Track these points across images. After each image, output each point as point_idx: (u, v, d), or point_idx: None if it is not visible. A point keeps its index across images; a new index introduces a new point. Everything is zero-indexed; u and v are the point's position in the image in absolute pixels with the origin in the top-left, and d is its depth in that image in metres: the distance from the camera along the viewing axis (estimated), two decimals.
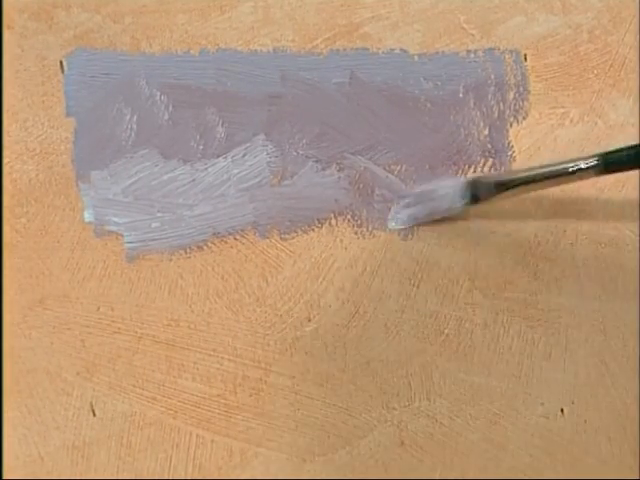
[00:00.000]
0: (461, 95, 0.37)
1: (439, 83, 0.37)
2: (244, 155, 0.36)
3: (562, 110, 0.37)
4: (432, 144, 0.37)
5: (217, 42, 0.37)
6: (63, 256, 0.35)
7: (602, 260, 0.37)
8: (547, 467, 0.36)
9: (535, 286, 0.37)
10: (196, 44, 0.37)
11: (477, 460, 0.36)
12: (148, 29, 0.37)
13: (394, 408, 0.36)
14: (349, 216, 0.37)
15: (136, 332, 0.35)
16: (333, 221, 0.37)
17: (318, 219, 0.37)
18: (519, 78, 0.37)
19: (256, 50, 0.37)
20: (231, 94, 0.37)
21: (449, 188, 0.36)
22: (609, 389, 0.36)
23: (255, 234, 0.36)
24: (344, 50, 0.37)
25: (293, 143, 0.37)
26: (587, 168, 0.33)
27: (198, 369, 0.36)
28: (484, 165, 0.37)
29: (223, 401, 0.36)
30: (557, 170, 0.34)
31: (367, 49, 0.37)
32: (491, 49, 0.37)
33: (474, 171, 0.37)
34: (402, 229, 0.37)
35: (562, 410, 0.36)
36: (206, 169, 0.36)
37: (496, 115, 0.37)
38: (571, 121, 0.37)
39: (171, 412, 0.35)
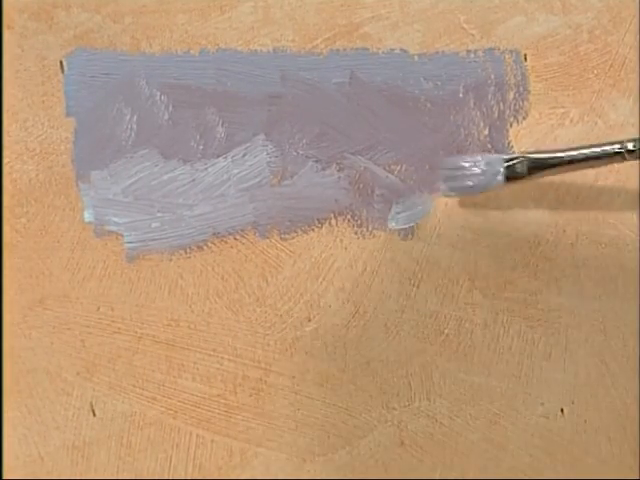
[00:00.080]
0: (461, 95, 0.37)
1: (439, 83, 0.37)
2: (244, 155, 0.36)
3: (562, 110, 0.37)
4: (432, 144, 0.37)
5: (217, 42, 0.37)
6: (63, 256, 0.35)
7: (602, 260, 0.37)
8: (547, 467, 0.36)
9: (535, 286, 0.37)
10: (196, 44, 0.37)
11: (477, 460, 0.36)
12: (148, 29, 0.37)
13: (394, 408, 0.36)
14: (349, 216, 0.37)
15: (136, 332, 0.36)
16: (333, 221, 0.37)
17: (318, 219, 0.37)
18: (519, 78, 0.37)
19: (256, 50, 0.37)
20: (231, 94, 0.37)
21: (487, 164, 0.35)
22: (609, 389, 0.36)
23: (255, 234, 0.36)
24: (344, 50, 0.37)
25: (293, 143, 0.37)
26: (631, 151, 0.33)
27: (198, 369, 0.36)
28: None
29: (223, 401, 0.36)
30: (600, 152, 0.34)
31: (367, 49, 0.37)
32: (491, 49, 0.37)
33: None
34: (402, 229, 0.37)
35: (562, 410, 0.36)
36: (206, 169, 0.36)
37: (496, 115, 0.37)
38: (571, 121, 0.37)
39: (171, 412, 0.35)
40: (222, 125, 0.36)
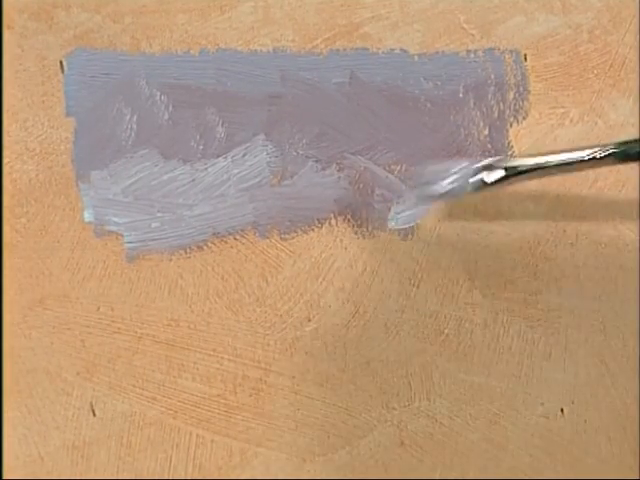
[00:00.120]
0: (461, 95, 0.37)
1: (439, 83, 0.37)
2: (244, 155, 0.36)
3: (562, 110, 0.37)
4: (432, 144, 0.37)
5: (217, 42, 0.37)
6: (63, 256, 0.35)
7: (602, 260, 0.37)
8: (547, 467, 0.36)
9: (535, 286, 0.37)
10: (196, 44, 0.37)
11: (477, 460, 0.36)
12: (148, 29, 0.37)
13: (394, 408, 0.36)
14: (349, 216, 0.37)
15: (136, 332, 0.36)
16: (333, 221, 0.37)
17: (318, 219, 0.37)
18: (519, 78, 0.37)
19: (256, 50, 0.37)
20: (231, 94, 0.37)
21: (460, 171, 0.35)
22: (609, 389, 0.36)
23: (255, 234, 0.36)
24: (344, 50, 0.37)
25: (293, 143, 0.37)
26: (606, 156, 0.33)
27: (198, 369, 0.36)
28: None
29: (223, 401, 0.36)
30: (576, 157, 0.33)
31: (367, 49, 0.37)
32: (491, 49, 0.37)
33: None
34: (402, 229, 0.37)
35: (562, 410, 0.36)
36: (206, 169, 0.36)
37: (496, 115, 0.37)
38: (571, 121, 0.37)
39: (171, 412, 0.35)
40: (222, 125, 0.36)
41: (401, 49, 0.37)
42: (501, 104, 0.37)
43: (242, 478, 0.35)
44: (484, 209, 0.37)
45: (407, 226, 0.37)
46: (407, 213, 0.37)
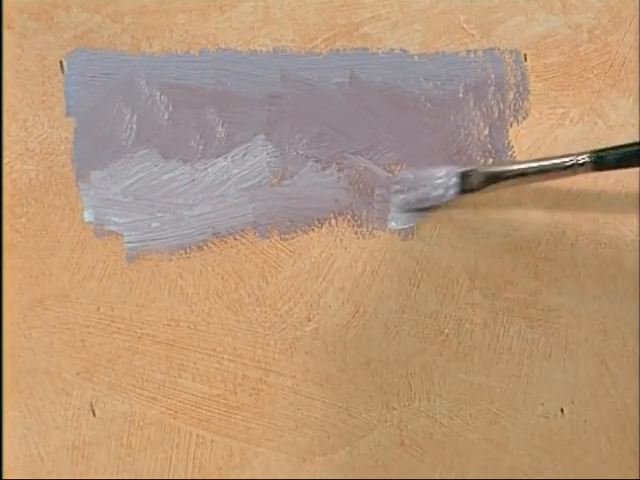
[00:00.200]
0: (461, 95, 0.37)
1: (439, 83, 0.37)
2: (244, 155, 0.36)
3: (562, 110, 0.37)
4: (432, 144, 0.37)
5: (217, 42, 0.37)
6: (63, 256, 0.35)
7: (602, 260, 0.37)
8: (547, 467, 0.36)
9: (535, 286, 0.37)
10: (196, 44, 0.37)
11: (477, 460, 0.36)
12: (148, 29, 0.37)
13: (394, 408, 0.36)
14: (349, 216, 0.37)
15: (136, 332, 0.36)
16: (333, 221, 0.37)
17: (318, 219, 0.37)
18: (519, 78, 0.37)
19: (256, 50, 0.37)
20: (231, 94, 0.37)
21: (442, 176, 0.36)
22: (609, 389, 0.36)
23: (255, 234, 0.36)
24: (344, 50, 0.37)
25: (293, 143, 0.37)
26: (581, 164, 0.33)
27: (198, 369, 0.36)
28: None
29: (223, 401, 0.36)
30: (550, 165, 0.34)
31: (367, 49, 0.37)
32: (491, 49, 0.37)
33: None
34: (402, 229, 0.37)
35: (562, 410, 0.36)
36: (206, 169, 0.36)
37: (496, 115, 0.37)
38: (571, 121, 0.37)
39: (171, 412, 0.35)
40: (222, 125, 0.36)
41: (401, 49, 0.37)
42: (501, 104, 0.37)
43: (242, 478, 0.35)
44: (484, 209, 0.37)
45: (407, 226, 0.37)
46: (407, 213, 0.37)
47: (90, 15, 0.36)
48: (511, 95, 0.37)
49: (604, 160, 0.33)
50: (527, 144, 0.37)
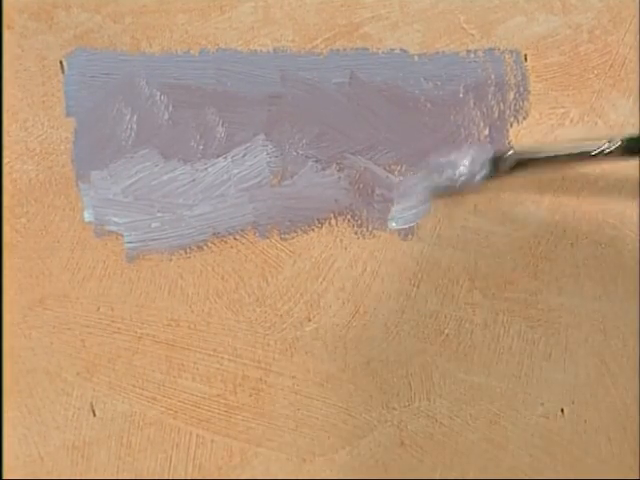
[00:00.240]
0: (461, 95, 0.37)
1: (439, 83, 0.37)
2: (244, 155, 0.36)
3: (562, 110, 0.37)
4: (432, 144, 0.37)
5: (217, 42, 0.37)
6: (63, 256, 0.35)
7: (602, 260, 0.37)
8: (547, 467, 0.36)
9: (535, 286, 0.37)
10: (196, 44, 0.37)
11: (477, 460, 0.36)
12: (148, 29, 0.37)
13: (394, 408, 0.36)
14: (349, 216, 0.37)
15: (136, 332, 0.36)
16: (333, 221, 0.37)
17: (318, 219, 0.37)
18: (519, 78, 0.37)
19: (256, 50, 0.37)
20: (231, 94, 0.37)
21: (469, 160, 0.35)
22: (609, 389, 0.36)
23: (255, 234, 0.36)
24: (344, 50, 0.37)
25: (293, 143, 0.37)
26: (610, 151, 0.33)
27: (198, 369, 0.36)
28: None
29: (223, 401, 0.36)
30: (579, 151, 0.34)
31: (367, 49, 0.37)
32: (491, 49, 0.37)
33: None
34: (402, 229, 0.37)
35: (562, 410, 0.36)
36: (206, 169, 0.36)
37: (496, 115, 0.37)
38: (571, 121, 0.37)
39: (171, 412, 0.35)
40: (222, 125, 0.36)
41: (401, 49, 0.37)
42: (501, 104, 0.37)
43: (242, 478, 0.35)
44: (484, 209, 0.37)
45: (407, 226, 0.37)
46: (407, 213, 0.37)
47: (90, 15, 0.36)
48: (511, 95, 0.37)
49: (635, 147, 0.33)
50: (527, 144, 0.37)
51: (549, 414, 0.36)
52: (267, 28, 0.37)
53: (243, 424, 0.35)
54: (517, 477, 0.36)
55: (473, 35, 0.37)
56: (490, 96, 0.37)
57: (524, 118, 0.37)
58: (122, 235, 0.36)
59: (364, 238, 0.37)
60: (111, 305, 0.36)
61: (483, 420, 0.36)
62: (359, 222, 0.37)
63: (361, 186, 0.37)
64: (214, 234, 0.36)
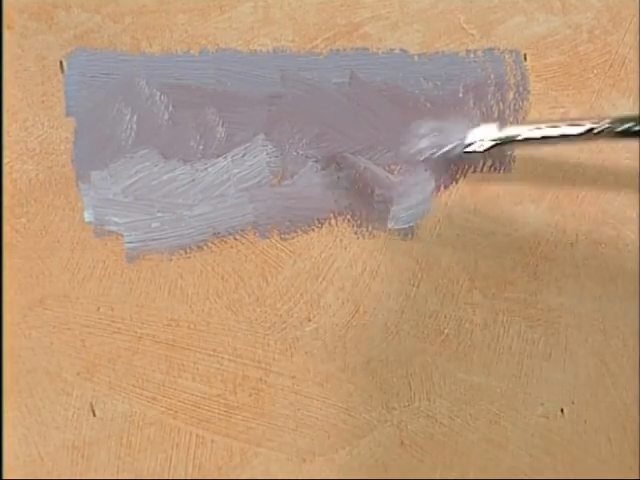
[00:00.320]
0: (461, 95, 0.37)
1: (439, 83, 0.37)
2: (244, 155, 0.36)
3: (562, 110, 0.37)
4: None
5: (217, 42, 0.37)
6: (63, 256, 0.35)
7: (602, 260, 0.37)
8: (547, 467, 0.36)
9: (535, 286, 0.37)
10: (196, 44, 0.37)
11: (477, 460, 0.36)
12: (148, 29, 0.37)
13: (394, 408, 0.36)
14: (349, 216, 0.37)
15: (136, 332, 0.36)
16: (333, 221, 0.37)
17: (318, 219, 0.37)
18: (519, 78, 0.37)
19: (256, 50, 0.37)
20: (231, 94, 0.37)
21: (460, 129, 0.35)
22: (609, 389, 0.36)
23: (255, 234, 0.36)
24: (344, 50, 0.37)
25: (293, 143, 0.37)
26: (599, 132, 0.33)
27: (198, 369, 0.36)
28: (484, 165, 0.37)
29: (223, 401, 0.36)
30: (568, 131, 0.33)
31: (367, 49, 0.37)
32: (491, 49, 0.37)
33: (474, 171, 0.37)
34: (402, 229, 0.37)
35: (562, 410, 0.36)
36: (206, 169, 0.36)
37: (496, 115, 0.37)
38: None
39: (171, 412, 0.35)
40: (222, 125, 0.36)
41: (401, 49, 0.37)
42: (501, 104, 0.37)
43: (242, 478, 0.35)
44: (484, 209, 0.37)
45: (407, 226, 0.37)
46: (407, 213, 0.37)
47: (90, 15, 0.36)
48: (511, 95, 0.37)
49: (626, 127, 0.32)
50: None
51: (549, 414, 0.36)
52: (267, 28, 0.37)
53: (243, 424, 0.35)
54: (517, 477, 0.36)
55: (473, 35, 0.37)
56: (490, 96, 0.37)
57: (524, 118, 0.37)
58: (122, 235, 0.36)
59: (364, 238, 0.37)
60: (111, 305, 0.36)
61: (483, 420, 0.36)
62: (359, 222, 0.37)
63: (361, 186, 0.37)
64: (214, 234, 0.36)
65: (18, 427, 0.35)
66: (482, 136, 0.35)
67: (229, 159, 0.36)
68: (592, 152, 0.37)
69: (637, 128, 0.32)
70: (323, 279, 0.36)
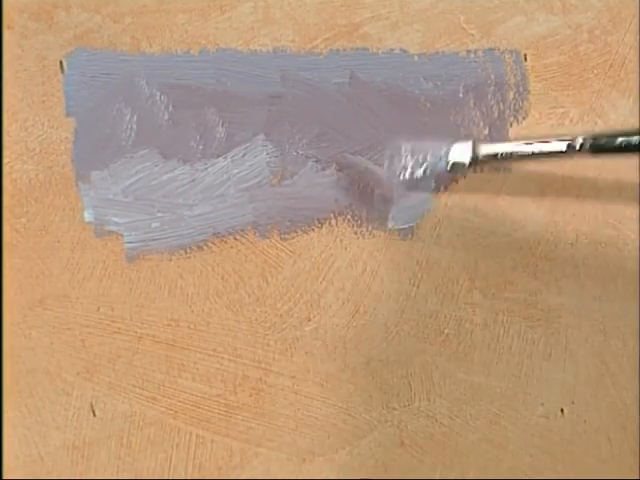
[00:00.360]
0: (461, 95, 0.37)
1: (439, 83, 0.37)
2: (244, 155, 0.36)
3: (562, 110, 0.37)
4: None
5: (217, 42, 0.37)
6: (63, 256, 0.35)
7: (602, 260, 0.37)
8: (547, 467, 0.36)
9: (535, 286, 0.37)
10: (196, 44, 0.37)
11: (477, 460, 0.36)
12: (148, 29, 0.37)
13: (394, 408, 0.36)
14: (349, 216, 0.37)
15: (136, 332, 0.36)
16: (333, 221, 0.37)
17: (318, 219, 0.37)
18: (519, 78, 0.37)
19: (256, 50, 0.37)
20: (231, 94, 0.37)
21: (440, 149, 0.35)
22: (609, 389, 0.36)
23: (255, 234, 0.36)
24: (344, 50, 0.37)
25: (293, 143, 0.37)
26: (579, 149, 0.33)
27: (198, 369, 0.36)
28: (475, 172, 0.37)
29: (223, 401, 0.36)
30: (545, 149, 0.34)
31: (367, 49, 0.37)
32: (491, 49, 0.37)
33: (474, 171, 0.37)
34: (402, 229, 0.37)
35: (562, 410, 0.36)
36: (206, 169, 0.36)
37: (496, 115, 0.37)
38: (571, 121, 0.37)
39: (171, 412, 0.35)
40: (222, 125, 0.36)
41: (401, 49, 0.37)
42: (501, 104, 0.37)
43: (242, 478, 0.35)
44: (484, 209, 0.37)
45: (407, 226, 0.37)
46: (407, 213, 0.37)
47: (90, 15, 0.36)
48: (511, 95, 0.37)
49: (601, 143, 0.33)
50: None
51: (549, 414, 0.36)
52: (267, 28, 0.37)
53: (243, 424, 0.35)
54: (517, 477, 0.36)
55: (473, 35, 0.37)
56: (490, 96, 0.37)
57: (524, 118, 0.37)
58: (122, 235, 0.36)
59: (364, 238, 0.37)
60: (111, 305, 0.36)
61: (483, 420, 0.36)
62: (359, 222, 0.37)
63: (361, 186, 0.37)
64: (214, 234, 0.36)
65: (18, 427, 0.35)
66: (457, 157, 0.35)
67: (229, 159, 0.36)
68: None
69: (612, 144, 0.33)
70: (323, 279, 0.36)
